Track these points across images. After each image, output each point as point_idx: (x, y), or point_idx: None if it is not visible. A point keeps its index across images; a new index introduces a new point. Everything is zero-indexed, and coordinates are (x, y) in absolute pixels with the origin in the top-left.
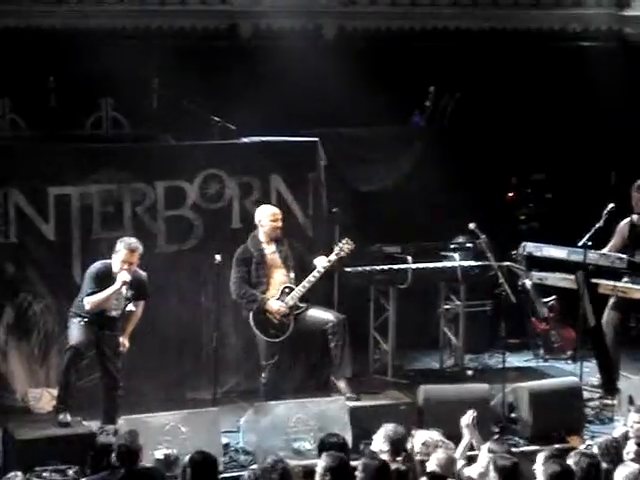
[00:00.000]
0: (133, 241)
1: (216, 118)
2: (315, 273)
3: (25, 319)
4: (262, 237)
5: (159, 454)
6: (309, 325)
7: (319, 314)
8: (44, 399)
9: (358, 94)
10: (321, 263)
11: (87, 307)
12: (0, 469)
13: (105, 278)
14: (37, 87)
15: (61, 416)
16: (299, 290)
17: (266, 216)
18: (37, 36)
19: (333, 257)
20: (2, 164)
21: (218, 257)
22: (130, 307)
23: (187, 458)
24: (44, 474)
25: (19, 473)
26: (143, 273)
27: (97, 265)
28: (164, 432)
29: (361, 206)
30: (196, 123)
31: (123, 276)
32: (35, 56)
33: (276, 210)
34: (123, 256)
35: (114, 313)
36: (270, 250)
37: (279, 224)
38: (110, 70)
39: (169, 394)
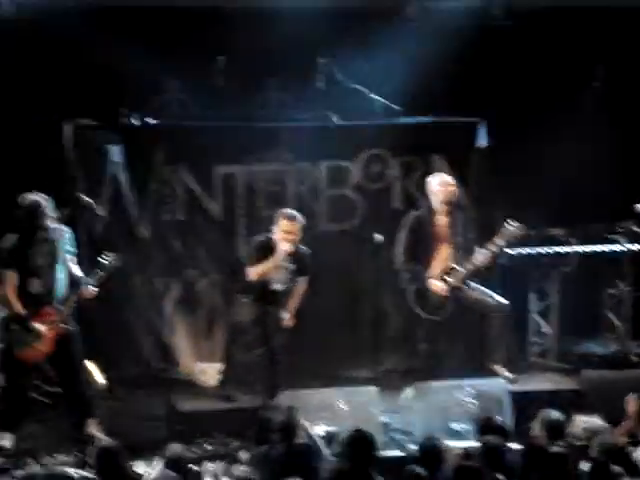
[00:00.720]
0: (292, 211)
1: (379, 97)
2: (480, 256)
3: (191, 295)
4: (437, 207)
5: (319, 430)
6: (470, 307)
7: (481, 297)
8: (209, 373)
9: (526, 74)
10: (487, 246)
11: (250, 278)
12: (165, 440)
13: (267, 250)
14: (206, 67)
15: (224, 390)
16: (462, 271)
17: (438, 183)
18: (206, 16)
19: (500, 241)
20: (171, 143)
21: (378, 237)
22: (293, 283)
23: (345, 436)
24: (207, 447)
25: (180, 445)
26: (305, 249)
27: (260, 238)
28: (324, 409)
29: (524, 187)
30: (360, 103)
31: (284, 246)
32: (207, 36)
33: (446, 176)
34: (283, 226)
35: (277, 287)
36: (441, 222)
37: (451, 189)
38: (278, 50)
39: (329, 371)
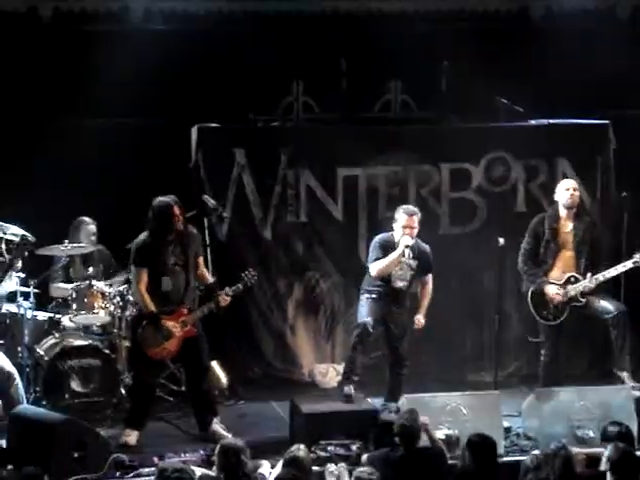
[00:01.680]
0: (411, 206)
1: (504, 100)
2: (606, 274)
3: (313, 296)
4: (561, 213)
5: (440, 434)
6: (590, 314)
7: (600, 303)
8: (329, 374)
9: None
10: (615, 268)
11: (372, 274)
12: (287, 441)
13: (388, 247)
14: (329, 70)
15: (346, 388)
16: (584, 285)
17: (561, 187)
18: (329, 20)
19: (630, 264)
20: (295, 145)
21: (501, 240)
22: (415, 280)
23: (467, 440)
24: (329, 448)
25: (302, 446)
26: (426, 245)
27: (381, 235)
28: (445, 412)
29: None
30: (483, 105)
31: (405, 240)
32: (328, 39)
33: (571, 181)
34: (403, 221)
35: (400, 284)
36: (566, 229)
37: (575, 193)
38: (400, 53)
39: (451, 375)
